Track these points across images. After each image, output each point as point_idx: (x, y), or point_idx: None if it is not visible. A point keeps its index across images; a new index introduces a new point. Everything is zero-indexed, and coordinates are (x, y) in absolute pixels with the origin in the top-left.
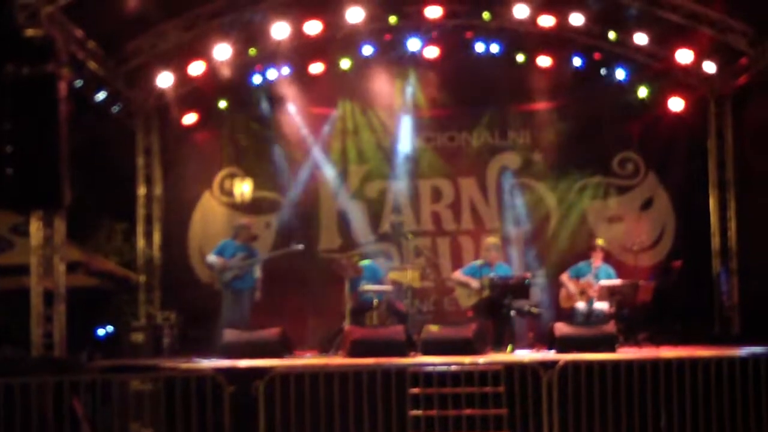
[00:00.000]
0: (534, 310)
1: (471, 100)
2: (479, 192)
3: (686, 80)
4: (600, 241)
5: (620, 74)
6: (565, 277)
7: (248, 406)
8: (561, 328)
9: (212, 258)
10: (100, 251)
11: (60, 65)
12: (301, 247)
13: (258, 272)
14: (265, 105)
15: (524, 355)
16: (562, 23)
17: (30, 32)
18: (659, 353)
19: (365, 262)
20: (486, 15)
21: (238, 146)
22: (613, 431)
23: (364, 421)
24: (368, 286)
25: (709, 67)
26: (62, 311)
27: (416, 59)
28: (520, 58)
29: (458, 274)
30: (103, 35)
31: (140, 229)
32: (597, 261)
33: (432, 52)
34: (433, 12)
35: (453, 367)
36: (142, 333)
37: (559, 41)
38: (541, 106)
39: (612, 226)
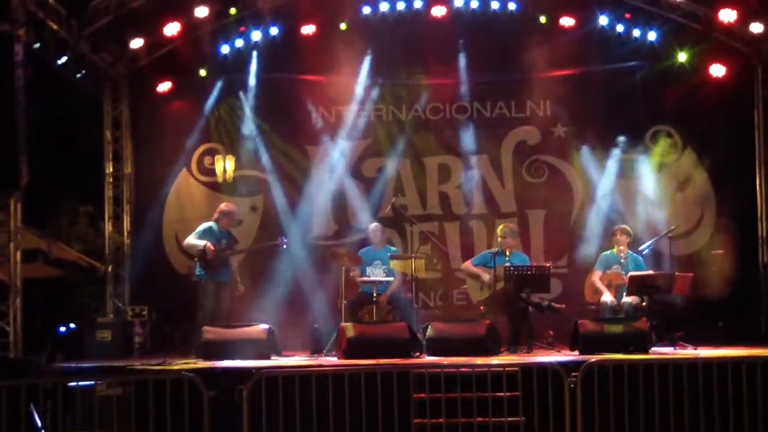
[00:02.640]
0: (555, 304)
1: (484, 65)
2: (493, 171)
3: (729, 43)
4: (621, 226)
5: (653, 36)
6: (596, 278)
7: (230, 414)
8: (586, 325)
9: (197, 241)
10: (61, 237)
11: (16, 25)
12: (285, 241)
13: (234, 263)
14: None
15: (544, 355)
16: None
17: None
18: (698, 354)
19: (364, 250)
20: None
21: (219, 118)
22: None
23: (363, 430)
24: (366, 278)
25: (756, 28)
26: (18, 306)
27: (422, 19)
28: (541, 17)
29: (469, 265)
30: None
31: (108, 212)
32: (622, 249)
33: (439, 11)
34: None
35: (463, 369)
36: (110, 331)
37: None
38: (564, 72)
39: (644, 210)
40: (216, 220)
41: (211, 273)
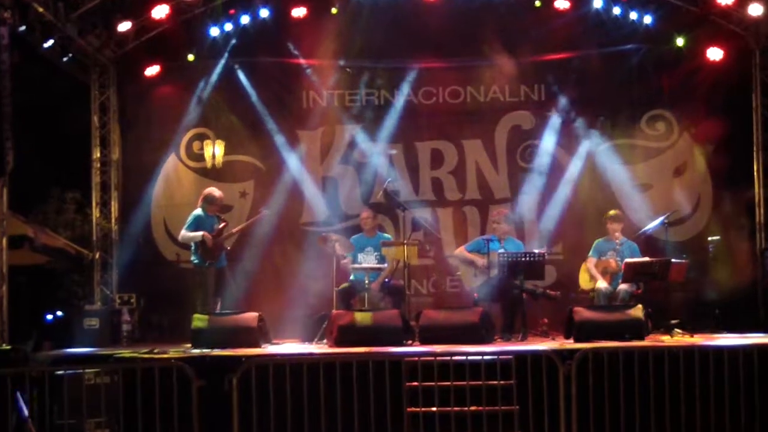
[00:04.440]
0: (549, 291)
1: (477, 49)
2: (487, 156)
3: (727, 26)
4: (612, 213)
5: (649, 20)
6: (590, 266)
7: (220, 403)
8: (581, 312)
9: (193, 233)
10: (48, 224)
11: (1, 8)
12: (266, 212)
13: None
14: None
15: (538, 343)
16: None
17: None
18: (694, 341)
19: (356, 236)
20: None
21: (209, 103)
22: (641, 431)
23: (354, 419)
24: (358, 265)
25: (755, 10)
26: (5, 293)
27: (414, 1)
28: (536, 0)
29: (462, 251)
30: None
31: (95, 198)
32: (617, 236)
33: None
34: None
35: (456, 358)
36: (97, 318)
37: None
38: (559, 56)
39: (640, 195)
40: (202, 208)
41: (212, 260)
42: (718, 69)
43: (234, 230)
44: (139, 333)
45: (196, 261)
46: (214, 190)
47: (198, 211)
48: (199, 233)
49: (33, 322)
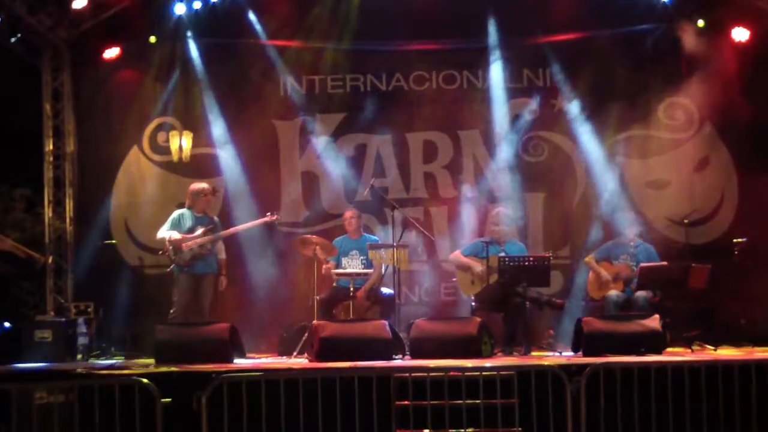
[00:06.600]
0: (555, 300)
1: (476, 29)
2: (485, 149)
3: (754, 3)
4: (627, 213)
5: None
6: (590, 260)
7: (188, 424)
8: (591, 323)
9: (167, 232)
10: None
11: None
12: (276, 217)
13: (222, 252)
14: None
15: (543, 357)
16: None
17: None
18: (717, 355)
19: (339, 239)
20: None
21: (174, 89)
22: None
23: None
24: (342, 270)
25: None
26: None
27: None
28: None
29: (459, 255)
30: None
31: (48, 196)
32: (633, 238)
33: None
34: None
35: (451, 373)
36: (50, 330)
37: None
38: (566, 37)
39: (656, 193)
40: (189, 206)
41: (184, 265)
42: (743, 51)
43: (224, 233)
44: (97, 346)
45: (172, 266)
46: (201, 184)
47: (183, 210)
48: (169, 232)
49: None
